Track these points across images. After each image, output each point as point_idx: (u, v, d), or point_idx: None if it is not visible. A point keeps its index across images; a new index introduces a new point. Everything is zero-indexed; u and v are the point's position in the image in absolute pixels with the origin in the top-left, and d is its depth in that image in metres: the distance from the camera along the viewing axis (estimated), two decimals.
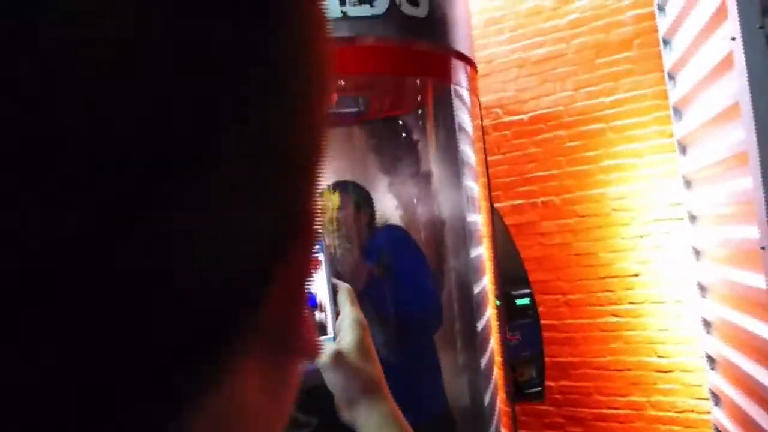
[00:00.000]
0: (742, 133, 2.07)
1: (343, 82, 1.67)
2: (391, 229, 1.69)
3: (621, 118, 2.95)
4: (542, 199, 3.14)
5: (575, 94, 3.08)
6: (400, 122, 1.79)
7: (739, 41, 1.86)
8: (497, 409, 1.66)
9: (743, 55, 1.85)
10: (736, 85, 2.05)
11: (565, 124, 3.10)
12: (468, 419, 1.59)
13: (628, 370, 2.93)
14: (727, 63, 2.13)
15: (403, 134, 1.78)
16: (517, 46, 3.22)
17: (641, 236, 2.90)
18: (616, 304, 2.96)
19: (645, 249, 2.89)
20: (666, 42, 2.81)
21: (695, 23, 2.50)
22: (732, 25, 1.90)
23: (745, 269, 2.16)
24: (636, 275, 2.91)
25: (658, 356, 2.87)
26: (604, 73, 3.00)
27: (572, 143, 3.07)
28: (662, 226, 2.86)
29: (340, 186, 1.67)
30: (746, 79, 1.85)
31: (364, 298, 1.59)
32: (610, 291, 2.97)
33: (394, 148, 1.78)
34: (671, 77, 2.80)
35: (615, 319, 2.96)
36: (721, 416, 2.51)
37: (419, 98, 1.71)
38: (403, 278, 1.59)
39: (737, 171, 2.21)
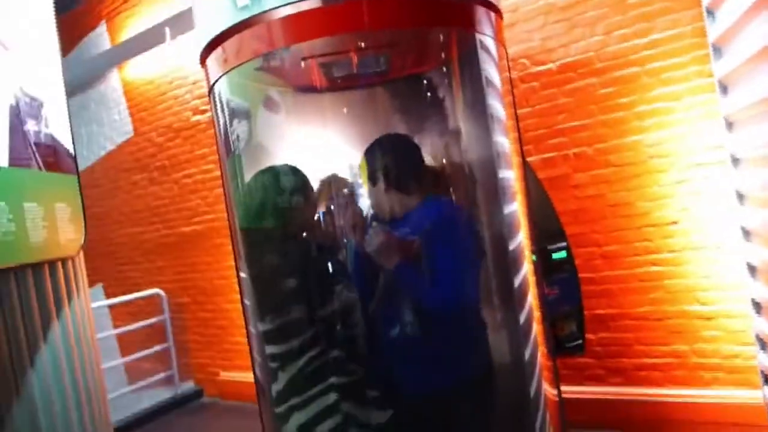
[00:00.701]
0: None
1: (362, 43, 1.62)
2: (440, 202, 1.64)
3: (656, 60, 2.81)
4: (574, 150, 3.05)
5: (606, 38, 2.93)
6: (425, 79, 1.73)
7: None
8: (538, 364, 1.66)
9: None
10: None
11: (596, 70, 2.97)
12: (508, 375, 1.59)
13: (669, 319, 2.89)
14: None
15: (429, 92, 1.73)
16: None
17: (679, 182, 2.80)
18: (654, 253, 2.89)
19: (684, 195, 2.79)
20: None
21: None
22: None
23: None
24: (675, 223, 2.83)
25: (700, 303, 2.80)
26: (636, 14, 2.85)
27: (605, 90, 2.95)
28: (702, 170, 2.75)
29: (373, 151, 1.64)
30: None
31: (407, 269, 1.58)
32: (649, 240, 2.90)
33: (420, 106, 1.73)
34: (710, 13, 2.63)
35: (654, 269, 2.90)
36: None
37: (443, 52, 1.65)
38: (441, 268, 1.56)
39: None
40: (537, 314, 1.68)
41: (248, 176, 1.65)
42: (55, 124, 2.62)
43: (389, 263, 1.55)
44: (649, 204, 2.88)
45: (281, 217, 1.56)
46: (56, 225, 2.49)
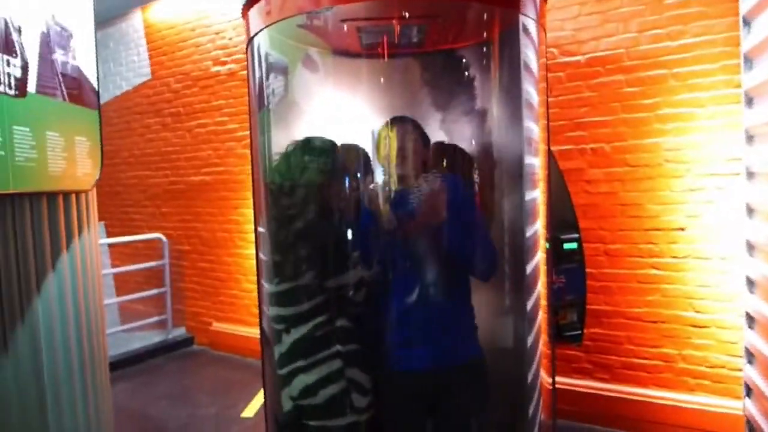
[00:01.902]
0: None
1: (405, 11, 1.61)
2: (448, 177, 1.67)
3: (686, 65, 2.80)
4: (592, 145, 3.06)
5: (639, 37, 2.92)
6: (463, 55, 1.73)
7: None
8: (539, 351, 1.71)
9: None
10: None
11: (624, 68, 2.96)
12: (510, 359, 1.64)
13: (663, 322, 2.94)
14: None
15: (466, 68, 1.74)
16: None
17: (692, 190, 2.82)
18: (657, 257, 2.93)
19: (695, 203, 2.82)
20: None
21: None
22: None
23: None
24: (682, 229, 2.86)
25: (695, 311, 2.86)
26: (672, 15, 2.82)
27: (630, 89, 2.94)
28: (716, 180, 2.77)
29: (399, 122, 1.65)
30: None
31: (420, 239, 1.62)
32: (653, 243, 2.93)
33: (456, 82, 1.74)
34: (746, 23, 2.62)
35: (654, 272, 2.94)
36: (753, 374, 2.51)
37: (485, 29, 1.64)
38: (459, 226, 1.60)
39: None
40: (543, 302, 1.72)
41: (280, 132, 1.66)
42: (82, 56, 2.61)
43: (413, 227, 1.58)
44: (659, 208, 2.90)
45: (310, 181, 1.58)
46: (75, 157, 2.51)
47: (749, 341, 2.65)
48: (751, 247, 2.64)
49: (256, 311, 4.46)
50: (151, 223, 5.22)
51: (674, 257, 2.89)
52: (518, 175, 1.56)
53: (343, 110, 1.73)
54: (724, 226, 2.76)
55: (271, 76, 1.74)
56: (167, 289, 4.89)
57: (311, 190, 1.56)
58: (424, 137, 1.70)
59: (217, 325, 4.77)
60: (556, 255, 2.05)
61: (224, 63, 4.56)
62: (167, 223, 5.10)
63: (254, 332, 4.50)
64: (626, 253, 3.00)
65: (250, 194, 4.44)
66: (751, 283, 2.63)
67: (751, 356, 2.65)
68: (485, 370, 1.67)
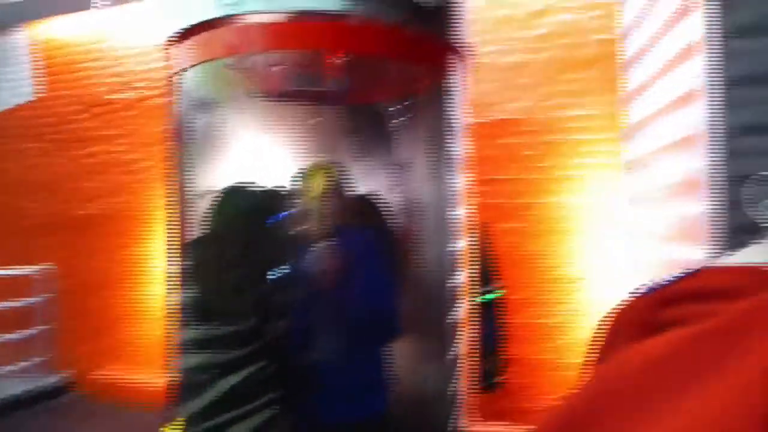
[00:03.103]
0: (694, 162, 2.26)
1: (336, 61, 1.64)
2: (361, 231, 1.67)
3: (576, 133, 3.11)
4: (496, 201, 3.26)
5: (535, 106, 3.21)
6: (394, 108, 1.79)
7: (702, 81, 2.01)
8: (460, 398, 1.73)
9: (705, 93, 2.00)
10: (691, 118, 2.24)
11: (524, 132, 3.22)
12: (435, 407, 1.64)
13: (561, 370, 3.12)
14: (685, 99, 2.32)
15: (395, 121, 1.79)
16: (485, 51, 3.30)
17: (586, 244, 3.09)
18: (557, 306, 3.14)
19: (590, 257, 3.08)
20: (625, 67, 3.00)
21: (658, 54, 2.69)
22: (695, 65, 2.06)
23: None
24: (579, 279, 3.10)
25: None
26: (564, 90, 3.15)
27: (529, 152, 3.20)
28: (608, 239, 3.05)
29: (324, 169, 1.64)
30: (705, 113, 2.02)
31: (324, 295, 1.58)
32: (553, 294, 3.14)
33: (384, 134, 1.78)
34: (627, 101, 2.99)
35: (553, 321, 3.14)
36: None
37: (416, 86, 1.71)
38: (365, 284, 1.59)
39: (684, 196, 2.41)
40: (465, 351, 1.75)
41: (204, 169, 1.58)
42: None
43: (328, 279, 1.55)
44: (558, 260, 3.14)
45: (241, 228, 1.51)
46: None
47: None
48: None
49: (148, 356, 4.07)
50: (19, 258, 4.62)
51: (574, 307, 3.11)
52: (442, 225, 1.61)
53: (268, 151, 1.69)
54: (618, 279, 3.03)
55: (196, 112, 1.66)
56: (41, 330, 4.30)
57: (242, 236, 1.48)
58: (344, 185, 1.70)
59: (99, 372, 4.26)
60: (476, 304, 2.11)
61: (121, 90, 4.28)
62: (39, 257, 4.54)
63: (145, 379, 4.07)
64: (525, 303, 3.18)
65: (145, 230, 4.14)
66: None
67: None
68: (394, 423, 1.65)
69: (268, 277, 1.53)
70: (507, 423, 3.21)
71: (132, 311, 4.23)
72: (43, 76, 4.62)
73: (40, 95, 4.62)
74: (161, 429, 2.82)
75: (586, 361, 0.63)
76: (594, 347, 0.61)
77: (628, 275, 2.96)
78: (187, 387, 1.52)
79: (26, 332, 4.29)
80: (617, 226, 3.03)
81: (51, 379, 4.37)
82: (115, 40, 4.33)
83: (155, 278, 4.12)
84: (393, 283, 1.58)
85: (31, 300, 4.34)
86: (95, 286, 4.35)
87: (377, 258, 1.64)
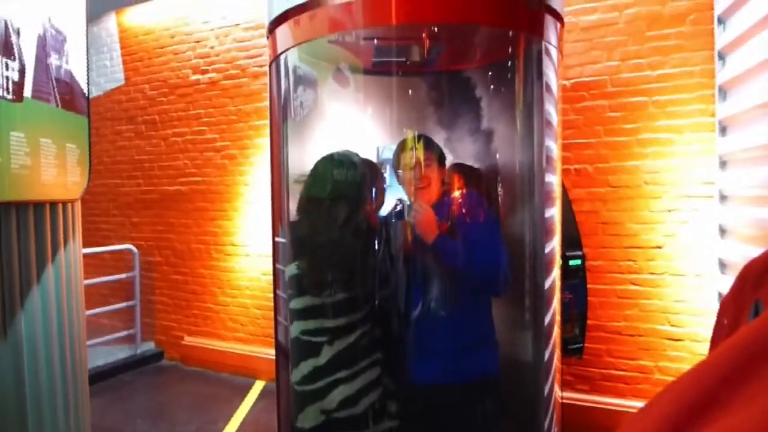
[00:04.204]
0: None
1: (436, 32, 1.67)
2: (469, 192, 1.74)
3: (665, 94, 2.98)
4: (576, 166, 3.20)
5: (621, 65, 3.09)
6: (491, 76, 1.80)
7: None
8: (554, 365, 1.77)
9: None
10: None
11: (607, 93, 3.12)
12: (529, 374, 1.69)
13: (640, 336, 3.09)
14: None
15: (493, 88, 1.81)
16: (568, 10, 3.20)
17: (669, 210, 3.00)
18: (636, 273, 3.08)
19: (672, 223, 2.99)
20: (720, 21, 2.82)
21: (755, 4, 2.51)
22: None
23: None
24: (659, 247, 3.02)
25: (671, 325, 3.02)
26: (652, 47, 3.01)
27: (613, 114, 3.11)
28: (691, 202, 2.95)
29: (423, 140, 1.70)
30: None
31: (434, 252, 1.66)
32: (632, 261, 3.09)
33: (483, 102, 1.80)
34: (721, 57, 2.83)
35: (633, 288, 3.09)
36: None
37: (512, 52, 1.71)
38: (476, 240, 1.65)
39: None
40: (558, 318, 1.79)
41: (307, 144, 1.67)
42: (74, 61, 2.53)
43: (428, 241, 1.62)
44: (638, 227, 3.06)
45: (345, 193, 1.59)
46: (65, 165, 2.41)
47: None
48: (722, 265, 2.82)
49: (233, 325, 4.39)
50: (120, 234, 5.04)
51: (652, 273, 3.05)
52: (539, 193, 1.63)
53: (369, 125, 1.76)
54: (699, 246, 2.94)
55: (299, 89, 1.75)
56: (136, 302, 4.72)
57: (349, 202, 1.57)
58: (442, 155, 1.76)
59: (189, 339, 4.63)
60: (562, 271, 2.13)
61: (204, 72, 4.49)
62: (137, 233, 4.94)
63: (230, 347, 4.40)
64: (607, 269, 3.14)
65: (228, 206, 4.39)
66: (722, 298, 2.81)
67: None
68: (500, 386, 1.72)
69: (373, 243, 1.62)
70: (572, 390, 3.22)
71: (213, 283, 4.53)
72: (132, 61, 4.91)
73: (131, 79, 4.93)
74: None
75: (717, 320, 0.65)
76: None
77: (711, 243, 2.86)
78: (296, 352, 1.65)
79: (126, 304, 4.70)
80: (705, 190, 2.91)
81: (147, 346, 4.80)
82: (195, 22, 4.52)
83: (237, 251, 4.38)
84: (498, 240, 1.63)
85: (129, 274, 4.74)
86: (182, 259, 4.68)
87: (481, 216, 1.70)
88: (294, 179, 1.69)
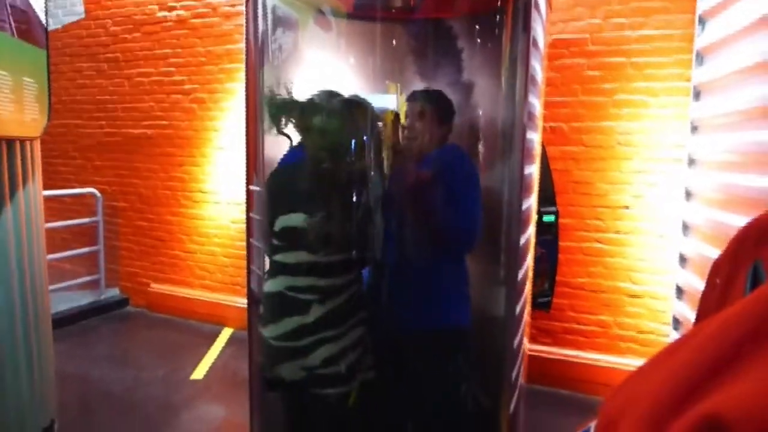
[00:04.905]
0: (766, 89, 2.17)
1: None
2: (452, 146, 1.72)
3: (644, 55, 2.98)
4: (551, 124, 3.21)
5: (603, 23, 3.06)
6: (477, 24, 1.75)
7: None
8: (524, 319, 1.82)
9: None
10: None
11: (587, 52, 3.10)
12: (500, 327, 1.73)
13: (602, 292, 3.20)
14: (764, 22, 2.18)
15: (478, 38, 1.76)
16: None
17: (639, 172, 3.06)
18: (603, 232, 3.17)
19: (640, 184, 3.06)
20: None
21: None
22: None
23: (732, 212, 2.37)
24: (627, 207, 3.10)
25: (632, 282, 3.13)
26: (635, 6, 2.99)
27: (591, 72, 3.10)
28: (661, 165, 3.01)
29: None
30: None
31: (410, 201, 1.65)
32: (600, 220, 3.16)
33: (465, 51, 1.76)
34: (702, 21, 2.82)
35: (599, 246, 3.18)
36: None
37: (498, 1, 1.66)
38: (453, 193, 1.65)
39: (752, 123, 2.34)
40: (530, 273, 1.82)
41: (290, 89, 1.60)
42: None
43: (411, 193, 1.62)
44: (608, 186, 3.12)
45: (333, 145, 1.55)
46: (23, 101, 2.27)
47: (677, 311, 2.96)
48: (686, 227, 2.92)
49: (200, 273, 4.34)
50: (81, 177, 4.85)
51: (618, 233, 3.14)
52: (519, 150, 1.62)
53: (345, 71, 1.70)
54: (664, 207, 3.02)
55: (278, 32, 1.66)
56: (100, 247, 4.60)
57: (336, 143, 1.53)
58: (441, 108, 1.73)
59: (156, 287, 4.57)
60: (537, 227, 2.17)
61: (172, 9, 4.25)
62: (100, 177, 4.76)
63: (197, 294, 4.36)
64: (574, 227, 3.21)
65: (197, 151, 4.26)
66: (683, 259, 2.92)
67: (678, 324, 2.96)
68: (471, 338, 1.76)
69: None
70: (535, 342, 3.35)
71: (180, 230, 4.44)
72: None
73: (92, 13, 4.63)
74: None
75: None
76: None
77: (675, 207, 2.94)
78: (278, 307, 1.63)
79: (89, 249, 4.58)
80: (675, 153, 2.97)
81: (111, 293, 4.72)
82: None
83: (206, 198, 4.28)
84: (475, 197, 1.63)
85: (92, 219, 4.59)
86: (148, 205, 4.56)
87: (458, 172, 1.69)
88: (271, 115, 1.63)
